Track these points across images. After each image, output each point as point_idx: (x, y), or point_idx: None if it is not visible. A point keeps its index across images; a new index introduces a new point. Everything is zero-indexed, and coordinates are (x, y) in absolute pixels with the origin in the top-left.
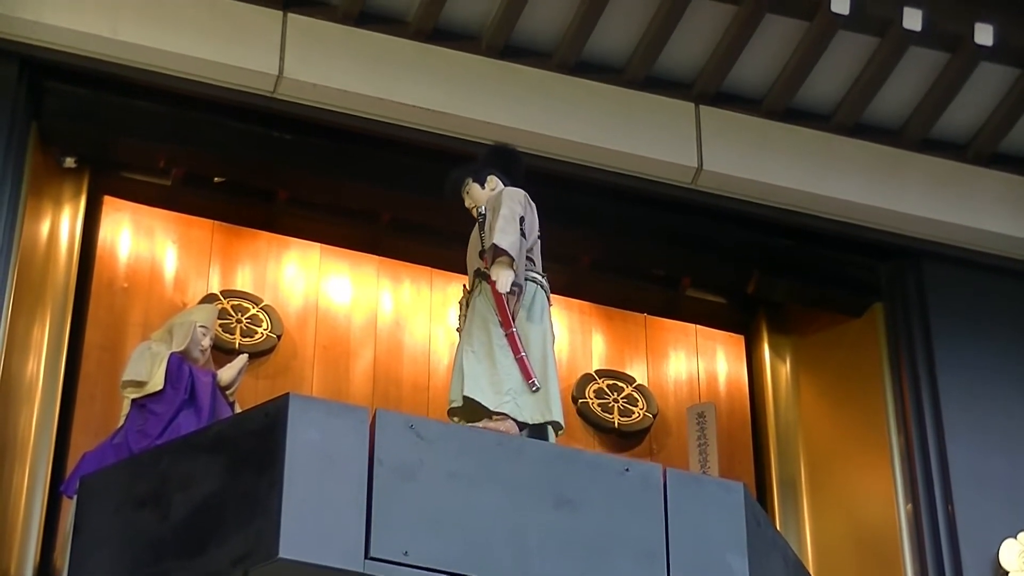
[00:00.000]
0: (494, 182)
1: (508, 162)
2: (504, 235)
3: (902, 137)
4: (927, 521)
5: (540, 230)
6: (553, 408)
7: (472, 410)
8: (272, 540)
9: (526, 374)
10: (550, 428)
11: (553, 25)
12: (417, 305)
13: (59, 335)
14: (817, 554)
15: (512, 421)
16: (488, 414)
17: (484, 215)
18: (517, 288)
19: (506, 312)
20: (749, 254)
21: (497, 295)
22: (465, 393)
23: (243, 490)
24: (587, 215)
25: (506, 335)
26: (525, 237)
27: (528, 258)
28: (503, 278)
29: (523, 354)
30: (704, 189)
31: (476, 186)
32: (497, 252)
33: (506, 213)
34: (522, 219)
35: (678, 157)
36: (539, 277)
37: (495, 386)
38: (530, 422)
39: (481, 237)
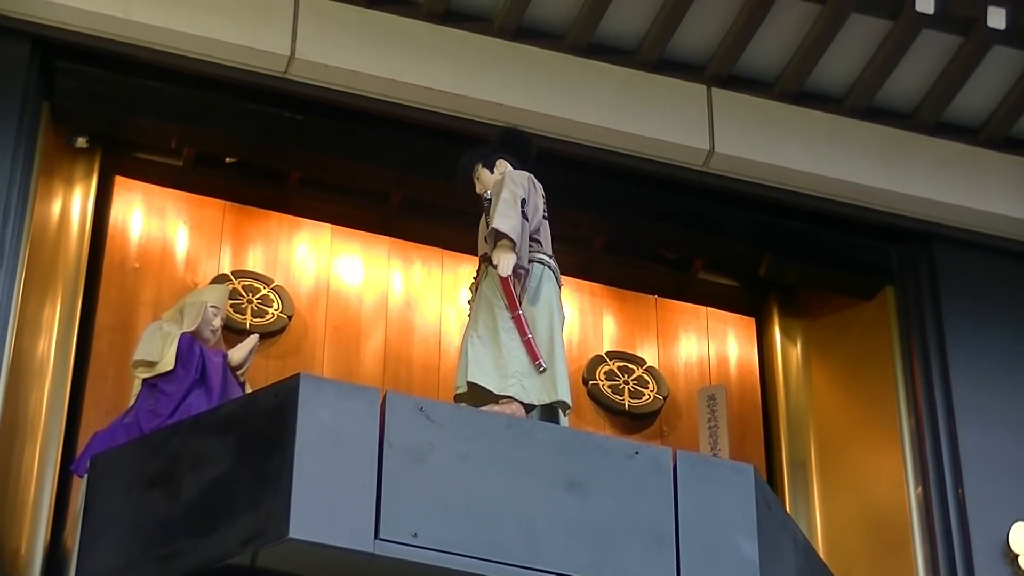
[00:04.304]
0: (503, 166)
1: (518, 145)
2: (504, 219)
3: (914, 120)
4: (937, 504)
5: (550, 212)
6: (559, 387)
7: (478, 395)
8: (282, 520)
9: (533, 355)
10: (569, 413)
11: (565, 7)
12: (428, 286)
13: (70, 315)
14: (827, 537)
15: (518, 404)
16: (494, 398)
17: (489, 200)
18: (523, 271)
19: (512, 295)
20: (760, 237)
21: (502, 278)
22: (468, 379)
23: (253, 470)
24: (598, 197)
25: (512, 318)
26: (527, 219)
27: (535, 239)
28: (504, 262)
29: (530, 336)
30: (715, 172)
31: (485, 171)
32: (498, 236)
33: (507, 197)
34: (523, 201)
35: (690, 139)
36: (546, 258)
37: (500, 370)
38: (536, 403)
39: (487, 222)
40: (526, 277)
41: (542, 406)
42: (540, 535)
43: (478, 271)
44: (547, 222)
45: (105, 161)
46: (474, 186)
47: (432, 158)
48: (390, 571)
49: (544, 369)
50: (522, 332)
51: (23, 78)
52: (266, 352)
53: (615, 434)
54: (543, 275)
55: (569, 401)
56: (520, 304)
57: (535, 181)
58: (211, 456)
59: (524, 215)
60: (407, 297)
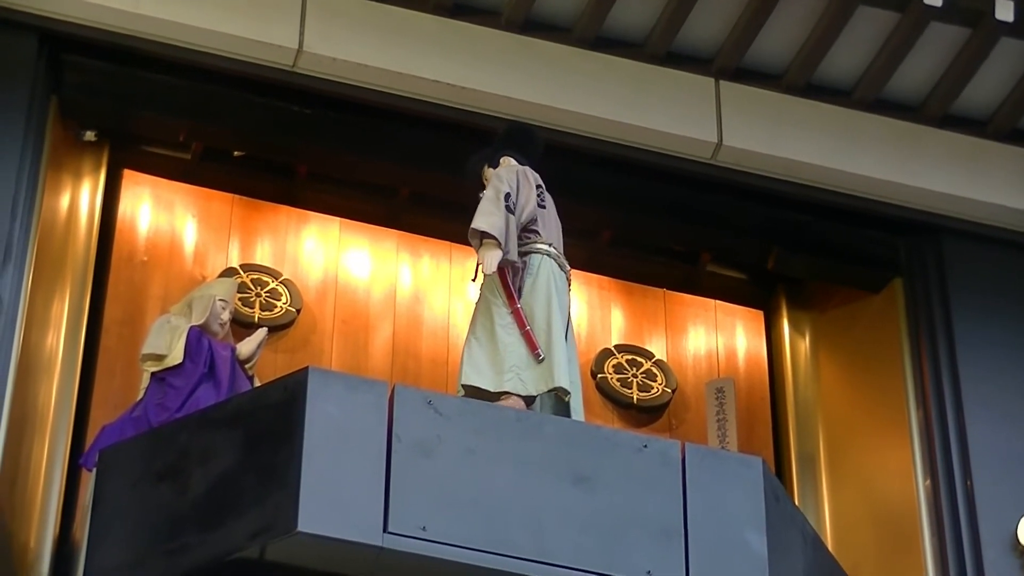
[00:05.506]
0: (507, 163)
1: (523, 141)
2: (484, 217)
3: (922, 113)
4: (946, 497)
5: (557, 205)
6: (556, 374)
7: (480, 396)
8: (290, 514)
9: (532, 346)
10: (568, 399)
11: (573, 0)
12: (436, 279)
13: (79, 309)
14: (835, 529)
15: (517, 397)
16: (494, 397)
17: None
18: (521, 264)
19: (509, 290)
20: (768, 229)
21: (500, 275)
22: (462, 382)
23: (262, 464)
24: (606, 190)
25: (511, 312)
26: (513, 213)
27: (532, 230)
28: (488, 259)
29: (528, 327)
30: (723, 164)
31: (491, 170)
32: (482, 235)
33: (489, 194)
34: (508, 195)
35: (698, 132)
36: (545, 247)
37: (496, 366)
38: (535, 393)
39: None
40: (524, 269)
41: (554, 400)
42: (548, 528)
43: (476, 268)
44: (546, 211)
45: (113, 155)
46: (484, 186)
47: (440, 151)
48: (398, 564)
49: (543, 359)
50: (521, 325)
51: (31, 72)
52: (274, 345)
53: (623, 427)
54: (541, 265)
55: (567, 387)
56: (519, 297)
57: (527, 173)
58: (219, 450)
59: (510, 209)
60: (415, 290)
